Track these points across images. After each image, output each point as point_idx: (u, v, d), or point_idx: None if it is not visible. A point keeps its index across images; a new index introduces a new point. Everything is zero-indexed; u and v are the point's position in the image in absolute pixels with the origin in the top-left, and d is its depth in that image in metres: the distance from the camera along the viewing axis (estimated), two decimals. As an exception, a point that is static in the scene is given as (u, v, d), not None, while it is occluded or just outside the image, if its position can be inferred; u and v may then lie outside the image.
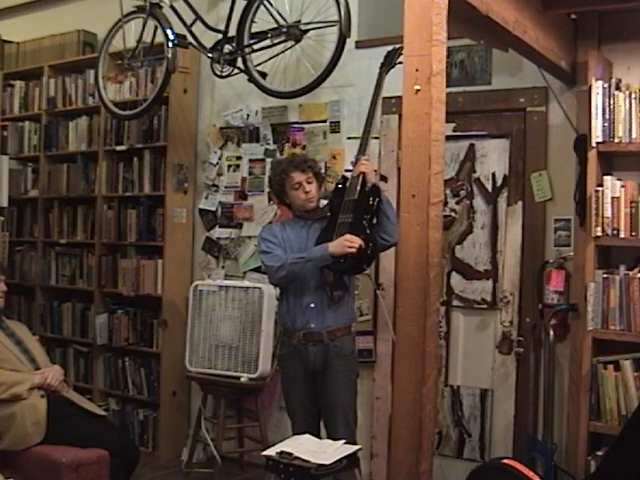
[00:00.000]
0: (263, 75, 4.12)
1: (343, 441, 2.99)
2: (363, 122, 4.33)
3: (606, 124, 3.40)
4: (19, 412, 3.59)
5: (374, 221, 3.45)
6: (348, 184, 3.53)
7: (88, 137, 5.30)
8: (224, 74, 4.19)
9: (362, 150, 3.58)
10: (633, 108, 3.37)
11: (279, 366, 3.77)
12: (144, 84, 4.94)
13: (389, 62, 3.67)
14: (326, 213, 3.59)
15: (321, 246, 3.44)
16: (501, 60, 3.92)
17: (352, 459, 2.88)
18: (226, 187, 4.88)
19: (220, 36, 4.15)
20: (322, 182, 3.75)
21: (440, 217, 2.39)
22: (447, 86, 2.40)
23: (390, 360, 4.15)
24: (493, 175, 4.07)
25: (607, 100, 3.40)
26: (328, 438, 3.36)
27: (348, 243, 3.34)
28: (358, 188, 3.46)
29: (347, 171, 4.39)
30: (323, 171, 4.13)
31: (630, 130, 3.37)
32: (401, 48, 3.53)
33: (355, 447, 2.92)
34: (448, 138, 2.86)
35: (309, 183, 3.59)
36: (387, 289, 4.23)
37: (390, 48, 3.71)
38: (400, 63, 3.56)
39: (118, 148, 5.08)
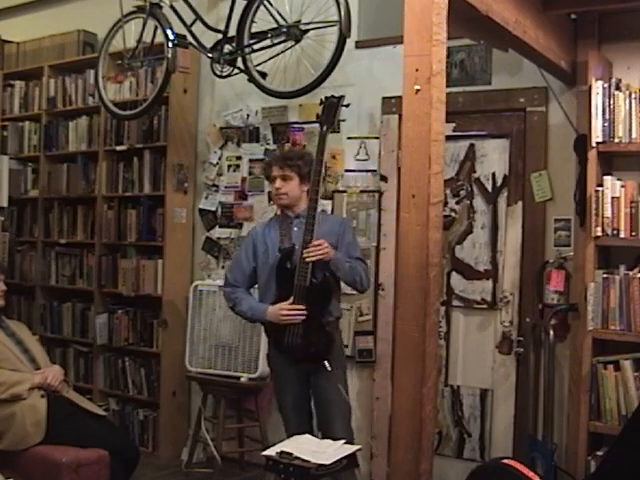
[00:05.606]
0: (263, 75, 4.12)
1: (343, 441, 2.98)
2: (363, 122, 4.38)
3: (606, 124, 3.40)
4: (19, 412, 3.59)
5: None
6: (297, 268, 3.34)
7: (88, 137, 5.29)
8: (224, 74, 4.19)
9: (309, 230, 3.33)
10: (633, 108, 3.37)
11: (269, 366, 3.74)
12: (144, 84, 4.94)
13: (332, 115, 3.46)
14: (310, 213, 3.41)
15: (261, 309, 3.48)
16: (501, 60, 3.92)
17: (352, 459, 2.87)
18: (226, 187, 4.87)
19: (220, 36, 4.15)
20: (309, 182, 3.46)
21: (440, 217, 2.39)
22: (447, 86, 2.40)
23: (390, 360, 4.15)
24: (493, 175, 4.06)
25: (607, 100, 3.40)
26: (323, 434, 3.37)
27: (285, 319, 3.36)
28: (308, 276, 3.34)
29: (347, 171, 4.41)
30: (323, 171, 3.99)
31: (630, 130, 3.37)
32: (342, 97, 3.45)
33: (355, 447, 2.92)
34: (448, 138, 2.86)
35: (283, 180, 3.50)
36: (387, 289, 4.23)
37: (329, 94, 3.54)
38: (344, 106, 3.49)
39: (118, 148, 5.08)
